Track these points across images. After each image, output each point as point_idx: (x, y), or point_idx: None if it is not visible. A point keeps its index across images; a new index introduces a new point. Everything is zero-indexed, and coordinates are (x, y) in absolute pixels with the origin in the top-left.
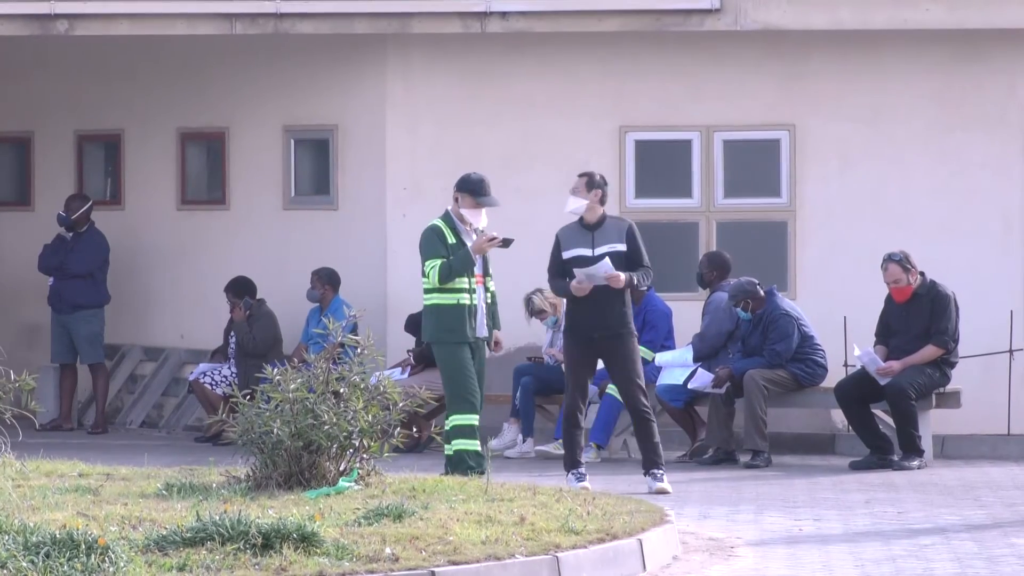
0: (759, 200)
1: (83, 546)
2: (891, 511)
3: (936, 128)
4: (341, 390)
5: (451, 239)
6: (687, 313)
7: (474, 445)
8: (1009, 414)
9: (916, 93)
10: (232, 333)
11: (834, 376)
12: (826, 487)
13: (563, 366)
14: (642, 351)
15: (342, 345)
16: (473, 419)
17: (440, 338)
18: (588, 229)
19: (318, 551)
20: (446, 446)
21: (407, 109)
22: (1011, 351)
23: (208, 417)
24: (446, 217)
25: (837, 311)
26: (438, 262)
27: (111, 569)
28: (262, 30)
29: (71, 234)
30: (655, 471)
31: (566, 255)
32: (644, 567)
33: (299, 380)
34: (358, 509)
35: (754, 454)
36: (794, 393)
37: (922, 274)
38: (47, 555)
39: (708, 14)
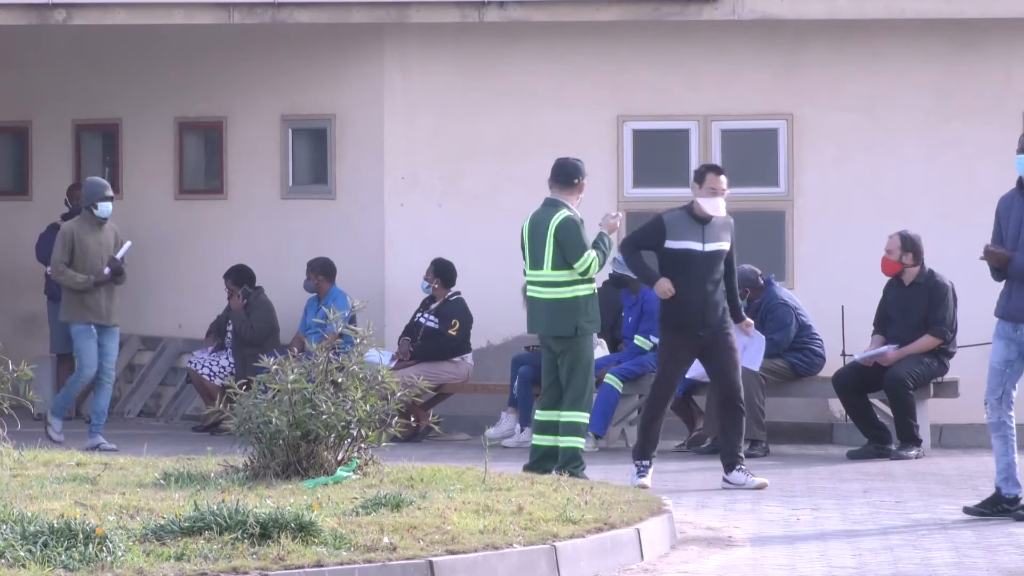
0: (757, 190)
1: (81, 535)
2: (889, 500)
3: (933, 117)
4: (339, 380)
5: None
6: None
7: (582, 443)
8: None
9: (913, 82)
10: (229, 321)
11: (832, 365)
12: (824, 476)
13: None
14: (639, 341)
15: (341, 335)
16: (585, 417)
17: (586, 329)
18: (699, 222)
19: (316, 541)
20: (536, 436)
21: (405, 99)
22: None
23: (206, 407)
24: (568, 208)
25: (835, 300)
26: (596, 251)
27: (109, 559)
28: (260, 19)
29: None
30: (742, 467)
31: (674, 245)
32: (642, 557)
33: (298, 370)
34: (356, 499)
35: (752, 443)
36: (792, 383)
37: (921, 264)
38: (45, 544)
39: (706, 3)
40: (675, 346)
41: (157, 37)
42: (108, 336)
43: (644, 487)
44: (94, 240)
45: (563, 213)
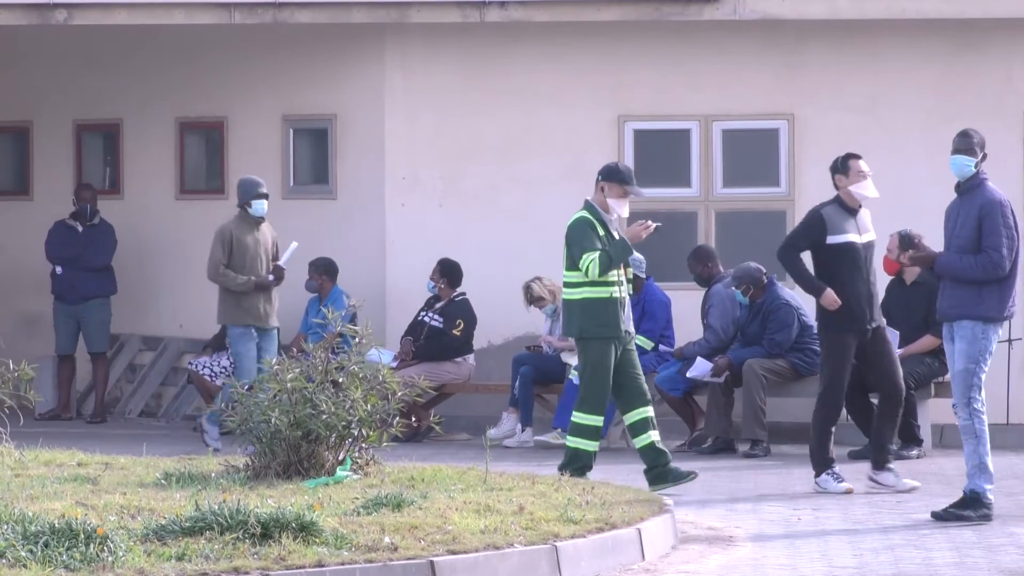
0: (758, 190)
1: (82, 535)
2: (890, 500)
3: (934, 118)
4: (340, 379)
5: (600, 230)
6: (686, 303)
7: (593, 447)
8: (1008, 404)
9: (914, 83)
10: None
11: None
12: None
13: (825, 360)
14: (640, 340)
15: (341, 335)
16: (598, 421)
17: (592, 333)
18: (851, 214)
19: (317, 540)
20: (635, 440)
21: (406, 99)
22: (1010, 341)
23: (207, 406)
24: (589, 208)
25: None
26: (596, 254)
27: (110, 559)
28: (261, 19)
29: (80, 225)
30: (891, 467)
31: (835, 239)
32: (643, 557)
33: (297, 370)
34: (357, 499)
35: (753, 443)
36: (793, 383)
37: None
38: (46, 544)
39: (707, 3)
40: (843, 347)
41: (158, 37)
42: (267, 339)
43: (850, 490)
44: (252, 239)
45: (577, 214)
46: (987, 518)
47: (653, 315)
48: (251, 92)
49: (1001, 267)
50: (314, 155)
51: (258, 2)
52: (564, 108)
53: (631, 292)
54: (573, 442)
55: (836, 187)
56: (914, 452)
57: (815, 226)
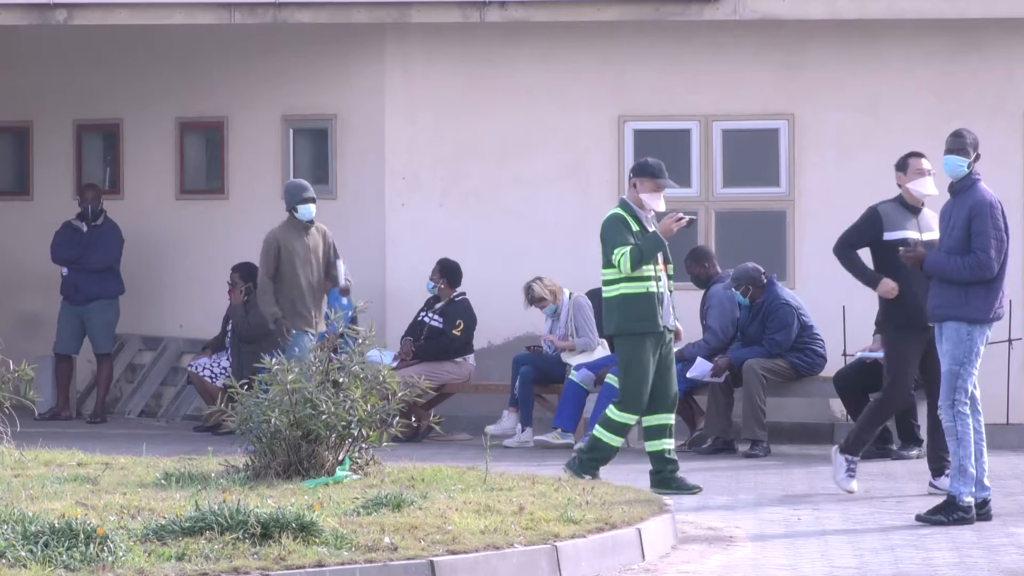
0: (758, 190)
1: (82, 535)
2: (890, 500)
3: (935, 118)
4: (340, 380)
5: (634, 227)
6: (686, 302)
7: (617, 443)
8: (1008, 404)
9: (914, 83)
10: (229, 320)
11: (833, 366)
12: (825, 477)
13: (889, 361)
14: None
15: (341, 335)
16: (631, 420)
17: (628, 329)
18: (912, 212)
19: (317, 540)
20: (647, 444)
21: (406, 99)
22: (1010, 341)
23: (207, 407)
24: (623, 205)
25: (836, 300)
26: (627, 248)
27: (110, 559)
28: (261, 19)
29: (85, 225)
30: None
31: (892, 236)
32: (643, 557)
33: (297, 370)
34: (357, 499)
35: (753, 444)
36: (793, 383)
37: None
38: (46, 544)
39: (707, 3)
40: (906, 344)
41: (158, 37)
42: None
43: (852, 491)
44: (301, 245)
45: (610, 211)
46: (962, 522)
47: None
48: (251, 92)
49: (989, 269)
50: (314, 155)
51: (258, 2)
52: (564, 108)
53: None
54: (599, 432)
55: (898, 185)
56: (914, 452)
57: (871, 222)
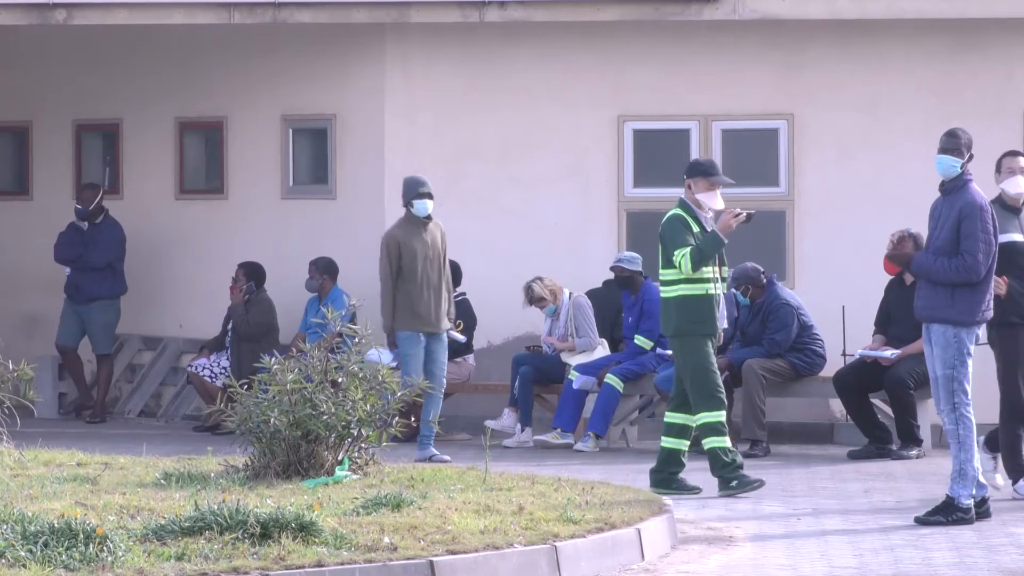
0: (758, 189)
1: (81, 535)
2: (890, 500)
3: (934, 117)
4: (339, 379)
5: (694, 226)
6: None
7: (725, 442)
8: None
9: (914, 83)
10: (230, 319)
11: (833, 365)
12: (825, 477)
13: (1004, 362)
14: (638, 340)
15: (340, 335)
16: (722, 415)
17: (687, 330)
18: (1014, 213)
19: (316, 540)
20: (663, 437)
21: (405, 99)
22: None
23: (206, 406)
24: (682, 205)
25: (836, 300)
26: (687, 249)
27: (109, 559)
28: (260, 19)
29: (87, 225)
30: None
31: (1000, 239)
32: (643, 557)
33: (297, 370)
34: (356, 499)
35: (753, 443)
36: (793, 383)
37: None
38: (45, 544)
39: (706, 3)
40: (1016, 342)
41: (157, 37)
42: (437, 342)
43: (997, 487)
44: (419, 242)
45: (671, 211)
46: (962, 523)
47: (652, 314)
48: (251, 92)
49: (976, 271)
50: (314, 155)
51: (258, 2)
52: (564, 108)
53: (631, 292)
54: (706, 443)
55: (998, 186)
56: (914, 452)
57: None
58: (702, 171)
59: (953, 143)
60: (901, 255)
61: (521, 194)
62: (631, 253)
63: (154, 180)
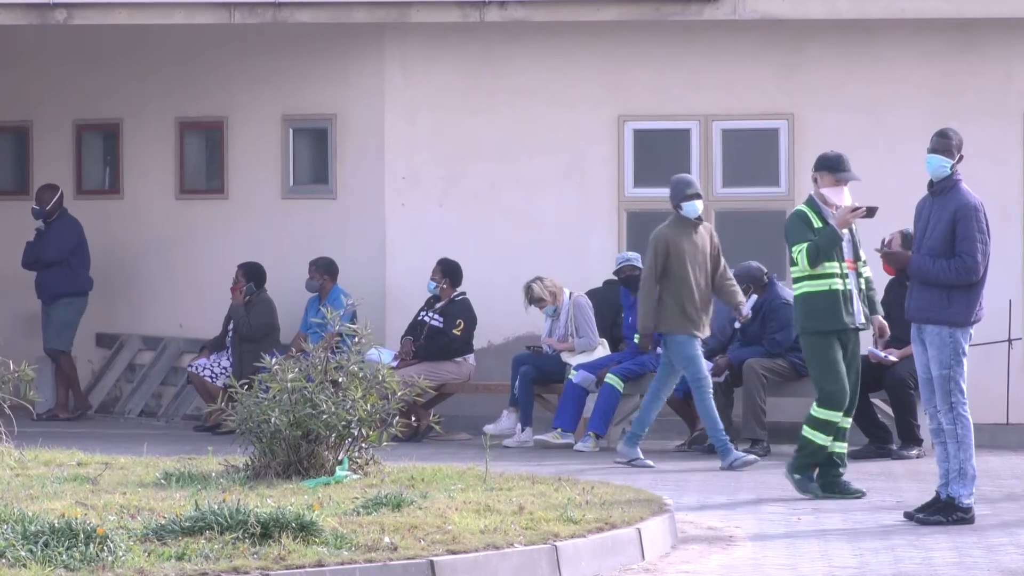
0: (758, 189)
1: (82, 535)
2: (890, 500)
3: (934, 117)
4: (340, 379)
5: (817, 223)
6: None
7: (824, 440)
8: (1008, 403)
9: (914, 82)
10: (230, 319)
11: None
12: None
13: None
14: (639, 340)
15: (340, 334)
16: (835, 417)
17: (811, 327)
18: None
19: (317, 540)
20: (805, 427)
21: (406, 98)
22: (1009, 340)
23: (207, 406)
24: (809, 202)
25: None
26: (804, 245)
27: (109, 558)
28: (260, 19)
29: (45, 225)
30: None
31: None
32: (643, 556)
33: (297, 369)
34: (357, 498)
35: (753, 443)
36: (793, 382)
37: None
38: (46, 544)
39: (706, 3)
40: None
41: (157, 37)
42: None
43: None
44: (690, 244)
45: (795, 209)
46: (962, 523)
47: None
48: (251, 92)
49: (974, 272)
50: (314, 155)
51: (258, 2)
52: (564, 108)
53: (630, 292)
54: (807, 431)
55: None
56: (914, 452)
57: None
58: (828, 166)
59: (944, 143)
60: (898, 256)
61: (521, 194)
62: (633, 253)
63: (154, 180)
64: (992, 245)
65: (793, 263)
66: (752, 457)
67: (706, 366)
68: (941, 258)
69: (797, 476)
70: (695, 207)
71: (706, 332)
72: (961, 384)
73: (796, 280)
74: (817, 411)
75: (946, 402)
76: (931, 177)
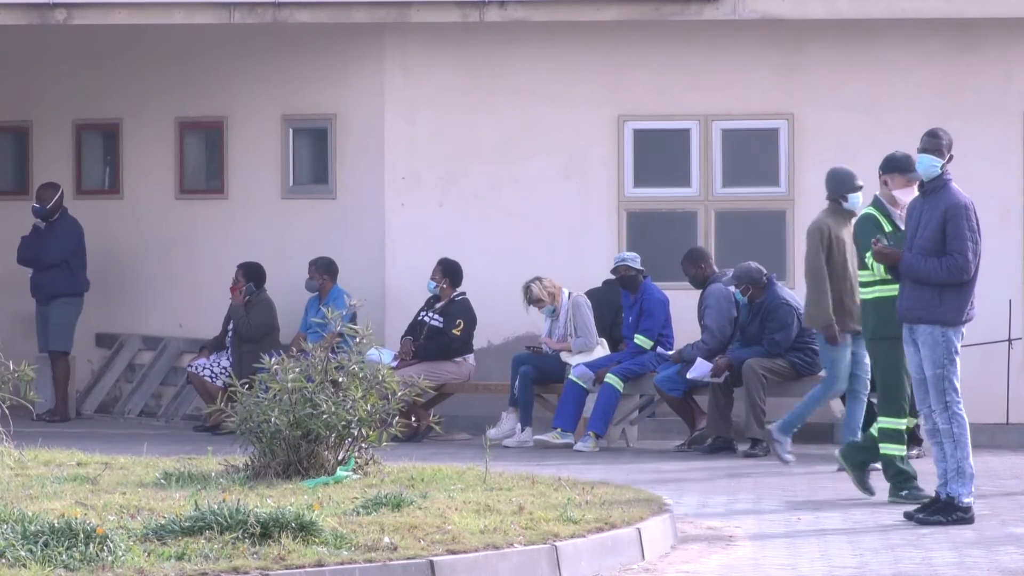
0: (758, 189)
1: (81, 535)
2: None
3: (934, 117)
4: (340, 379)
5: (887, 226)
6: (684, 302)
7: (901, 450)
8: (1008, 403)
9: (914, 82)
10: (230, 319)
11: None
12: (825, 476)
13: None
14: (639, 340)
15: (341, 335)
16: (902, 424)
17: (882, 332)
18: None
19: (316, 540)
20: (881, 445)
21: (405, 98)
22: (1009, 340)
23: (207, 406)
24: (876, 203)
25: None
26: None
27: (109, 558)
28: (260, 19)
29: (45, 224)
30: None
31: None
32: (643, 556)
33: (297, 369)
34: (356, 498)
35: (753, 443)
36: (793, 382)
37: None
38: (45, 544)
39: (706, 3)
40: None
41: (157, 37)
42: (860, 344)
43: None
44: (848, 235)
45: (864, 210)
46: (962, 522)
47: (651, 314)
48: (251, 92)
49: (966, 271)
50: (314, 155)
51: (258, 2)
52: (564, 108)
53: (630, 291)
54: (883, 448)
55: None
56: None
57: None
58: (899, 167)
59: (934, 143)
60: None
61: (521, 194)
62: (630, 253)
63: (154, 180)
64: (992, 245)
65: (863, 267)
66: (789, 457)
67: (847, 371)
68: (932, 257)
69: (904, 493)
70: (858, 200)
71: (858, 327)
72: (955, 383)
73: (866, 284)
74: (884, 422)
75: (940, 401)
76: (922, 177)
